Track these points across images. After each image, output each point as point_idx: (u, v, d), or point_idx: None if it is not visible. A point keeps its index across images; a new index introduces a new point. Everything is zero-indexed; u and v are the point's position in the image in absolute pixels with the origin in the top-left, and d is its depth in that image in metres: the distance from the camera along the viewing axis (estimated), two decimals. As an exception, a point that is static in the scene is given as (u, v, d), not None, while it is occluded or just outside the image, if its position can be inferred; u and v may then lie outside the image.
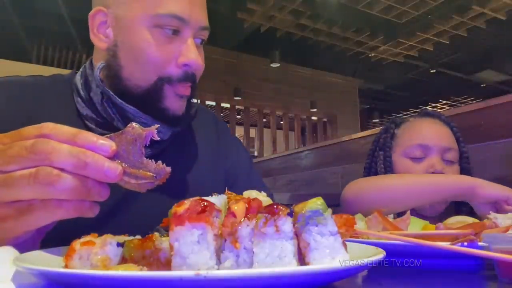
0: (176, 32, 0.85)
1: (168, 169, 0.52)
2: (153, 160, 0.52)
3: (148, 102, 0.86)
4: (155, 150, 0.92)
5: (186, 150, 1.03)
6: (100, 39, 0.89)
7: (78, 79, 0.92)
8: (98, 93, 0.88)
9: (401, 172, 1.30)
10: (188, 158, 1.02)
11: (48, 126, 0.49)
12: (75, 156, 0.47)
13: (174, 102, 0.87)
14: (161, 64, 0.84)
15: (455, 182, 1.11)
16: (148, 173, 0.51)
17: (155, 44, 0.83)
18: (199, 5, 0.88)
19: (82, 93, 0.90)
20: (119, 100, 0.85)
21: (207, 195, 0.48)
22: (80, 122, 0.89)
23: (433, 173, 1.23)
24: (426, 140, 1.27)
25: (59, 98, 0.93)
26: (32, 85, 0.93)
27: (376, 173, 1.38)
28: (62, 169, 0.47)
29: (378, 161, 1.39)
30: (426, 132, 1.31)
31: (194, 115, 1.00)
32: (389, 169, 1.32)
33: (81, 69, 0.95)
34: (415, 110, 12.46)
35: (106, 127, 0.87)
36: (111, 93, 0.86)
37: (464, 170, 1.33)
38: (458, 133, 1.35)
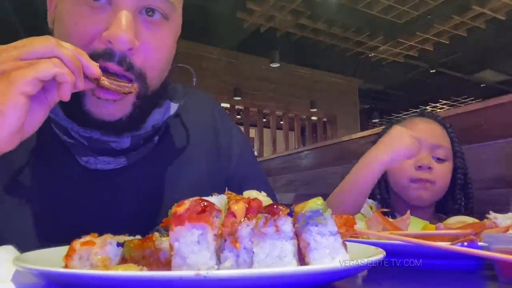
0: (109, 1, 0.68)
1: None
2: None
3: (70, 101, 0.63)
4: (134, 157, 0.81)
5: (177, 151, 0.91)
6: (50, 16, 0.78)
7: None
8: None
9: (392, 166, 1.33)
10: (180, 159, 0.90)
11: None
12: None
13: (96, 100, 0.69)
14: (81, 39, 0.68)
15: (368, 168, 1.16)
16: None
17: (78, 15, 0.69)
18: None
19: None
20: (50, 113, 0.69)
21: (206, 195, 0.48)
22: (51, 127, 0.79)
23: (420, 167, 1.27)
24: (416, 136, 1.30)
25: None
26: None
27: None
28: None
29: None
30: (417, 129, 1.34)
31: (164, 120, 0.83)
32: None
33: None
34: (415, 110, 12.46)
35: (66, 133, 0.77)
36: None
37: (458, 168, 1.35)
38: (453, 133, 1.37)
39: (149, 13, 0.72)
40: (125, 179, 0.81)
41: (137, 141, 0.80)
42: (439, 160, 1.31)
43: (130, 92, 0.68)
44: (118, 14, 0.67)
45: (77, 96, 0.68)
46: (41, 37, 0.60)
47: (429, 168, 1.27)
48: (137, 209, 0.82)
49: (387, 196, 1.38)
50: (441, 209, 1.40)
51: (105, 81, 0.65)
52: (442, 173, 1.30)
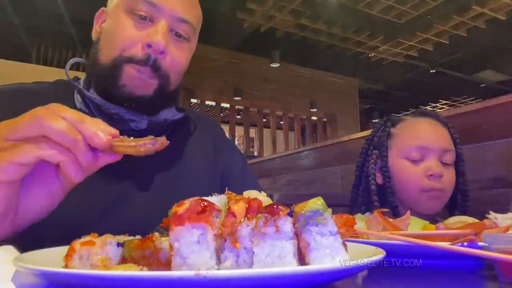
0: (151, 19, 0.89)
1: (163, 138, 0.56)
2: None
3: (109, 80, 0.87)
4: None
5: (182, 151, 1.04)
6: (95, 31, 0.97)
7: (83, 78, 0.98)
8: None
9: (398, 173, 1.28)
10: (185, 159, 1.03)
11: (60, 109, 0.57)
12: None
13: (132, 79, 0.87)
14: (126, 44, 0.87)
15: None
16: (147, 138, 0.54)
17: (126, 26, 0.87)
18: None
19: (83, 89, 0.92)
20: (87, 93, 0.88)
21: (204, 196, 0.48)
22: None
23: (431, 175, 1.22)
24: (424, 142, 1.25)
25: (59, 101, 0.94)
26: (34, 93, 0.96)
27: (367, 172, 1.35)
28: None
29: (370, 159, 1.36)
30: (424, 133, 1.27)
31: (182, 118, 1.02)
32: (385, 168, 1.31)
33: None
34: (415, 110, 12.44)
35: None
36: (80, 86, 0.91)
37: (461, 172, 1.31)
38: (455, 135, 1.32)
39: (177, 35, 0.93)
40: (131, 168, 0.90)
41: (152, 126, 0.94)
42: (445, 165, 1.25)
43: (154, 150, 0.56)
44: (156, 26, 0.88)
45: (116, 74, 0.86)
46: (29, 113, 0.54)
47: (440, 176, 1.22)
48: (142, 197, 0.91)
49: (395, 205, 1.28)
50: None
51: (119, 146, 0.55)
52: (449, 180, 1.26)
